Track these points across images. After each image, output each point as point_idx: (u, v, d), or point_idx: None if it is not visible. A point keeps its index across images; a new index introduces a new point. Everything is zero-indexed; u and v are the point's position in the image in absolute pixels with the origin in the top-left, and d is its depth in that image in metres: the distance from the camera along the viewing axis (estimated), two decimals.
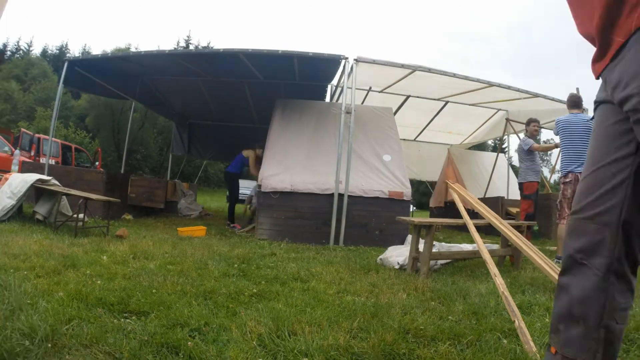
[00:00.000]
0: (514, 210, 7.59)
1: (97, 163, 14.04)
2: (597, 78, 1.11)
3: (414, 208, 13.56)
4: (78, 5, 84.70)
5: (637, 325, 2.01)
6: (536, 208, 5.47)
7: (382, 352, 1.64)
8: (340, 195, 5.30)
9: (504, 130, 8.79)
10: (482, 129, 10.10)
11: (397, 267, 3.59)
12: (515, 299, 2.51)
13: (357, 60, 5.54)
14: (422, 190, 18.78)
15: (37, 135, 12.74)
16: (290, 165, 5.71)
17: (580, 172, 4.41)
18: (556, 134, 4.75)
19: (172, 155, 12.28)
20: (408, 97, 8.23)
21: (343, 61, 5.66)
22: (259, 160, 6.43)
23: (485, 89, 6.78)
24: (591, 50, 1.08)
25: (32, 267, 2.62)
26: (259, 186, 5.53)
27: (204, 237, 5.20)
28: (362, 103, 8.15)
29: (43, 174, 5.56)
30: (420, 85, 7.19)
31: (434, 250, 3.44)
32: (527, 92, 6.70)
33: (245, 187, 20.42)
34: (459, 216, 3.85)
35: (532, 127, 5.60)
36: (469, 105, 8.29)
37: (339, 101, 6.95)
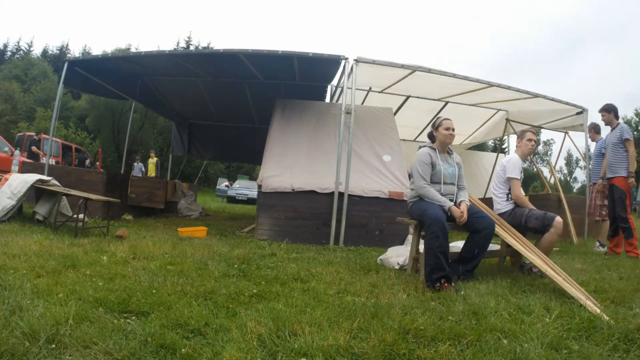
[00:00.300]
0: None
1: (97, 163, 14.05)
2: None
3: None
4: (78, 6, 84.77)
5: (637, 325, 2.01)
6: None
7: (382, 352, 1.64)
8: (340, 196, 5.29)
9: (504, 131, 8.79)
10: (482, 129, 10.10)
11: (397, 267, 3.59)
12: (515, 299, 2.52)
13: (357, 61, 5.54)
14: None
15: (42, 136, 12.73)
16: (290, 166, 5.70)
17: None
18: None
19: (172, 155, 12.28)
20: (408, 97, 8.23)
21: (343, 61, 5.65)
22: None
23: (485, 89, 6.78)
24: None
25: (32, 267, 2.63)
26: (259, 186, 5.53)
27: (204, 237, 5.21)
28: (362, 103, 8.15)
29: (43, 174, 5.56)
30: (420, 86, 7.19)
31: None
32: (527, 92, 6.70)
33: (245, 187, 20.53)
34: None
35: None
36: (469, 105, 8.29)
37: (339, 101, 6.95)
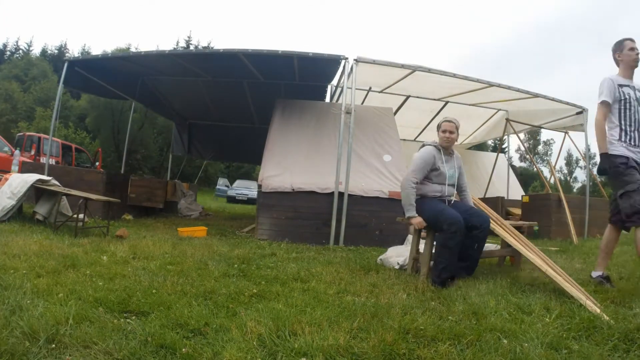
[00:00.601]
0: (514, 210, 7.60)
1: (97, 163, 14.04)
2: None
3: None
4: (78, 5, 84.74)
5: (637, 325, 2.01)
6: None
7: (382, 352, 1.64)
8: (340, 195, 5.29)
9: (504, 130, 8.80)
10: (482, 129, 10.11)
11: (397, 267, 3.59)
12: (515, 299, 2.52)
13: (357, 61, 5.54)
14: None
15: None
16: (290, 166, 5.70)
17: None
18: None
19: (172, 155, 12.28)
20: (408, 97, 8.23)
21: (343, 61, 5.65)
22: None
23: (485, 89, 6.78)
24: None
25: (32, 267, 2.62)
26: (259, 186, 5.53)
27: (204, 237, 5.20)
28: (362, 103, 8.15)
29: (43, 174, 5.56)
30: (420, 85, 7.19)
31: (434, 250, 3.44)
32: (527, 92, 6.70)
33: (245, 187, 20.51)
34: None
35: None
36: (469, 105, 8.30)
37: (339, 101, 6.95)
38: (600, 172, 3.09)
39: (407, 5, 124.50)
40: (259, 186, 5.53)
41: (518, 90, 6.62)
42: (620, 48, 3.05)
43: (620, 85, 2.97)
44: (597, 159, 3.19)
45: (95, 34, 79.89)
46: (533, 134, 42.95)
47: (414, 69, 5.89)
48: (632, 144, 2.91)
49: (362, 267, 3.55)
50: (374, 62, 5.65)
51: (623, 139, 2.92)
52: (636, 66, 3.01)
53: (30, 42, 55.18)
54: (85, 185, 5.98)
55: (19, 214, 5.04)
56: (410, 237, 3.96)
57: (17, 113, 26.65)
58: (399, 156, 6.06)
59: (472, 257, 3.11)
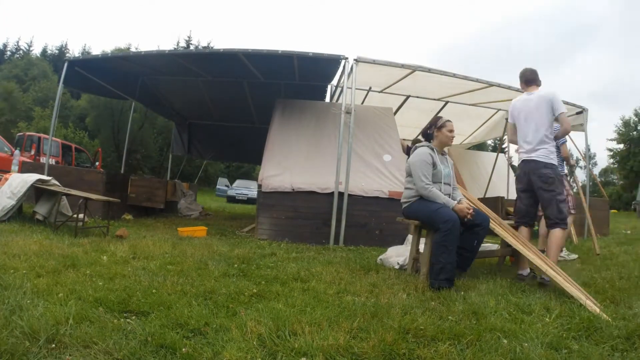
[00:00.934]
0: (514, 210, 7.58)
1: (97, 163, 14.04)
2: None
3: None
4: (78, 5, 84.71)
5: (637, 325, 2.01)
6: None
7: (382, 352, 1.64)
8: (340, 195, 5.29)
9: (504, 130, 8.78)
10: (482, 129, 10.10)
11: (397, 267, 3.59)
12: (515, 298, 2.52)
13: (357, 60, 5.54)
14: None
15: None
16: (290, 166, 5.70)
17: None
18: None
19: (172, 155, 12.27)
20: (408, 97, 8.22)
21: (343, 61, 5.65)
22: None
23: (485, 89, 6.77)
24: None
25: (32, 267, 2.62)
26: (259, 186, 5.53)
27: (203, 237, 5.20)
28: (362, 103, 8.14)
29: (43, 174, 5.56)
30: (420, 85, 7.18)
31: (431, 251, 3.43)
32: None
33: (245, 187, 20.49)
34: None
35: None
36: (469, 105, 8.29)
37: (339, 101, 6.94)
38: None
39: (407, 5, 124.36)
40: (259, 186, 5.53)
41: (518, 90, 6.61)
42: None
43: None
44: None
45: (95, 34, 79.95)
46: None
47: (414, 68, 5.89)
48: None
49: (362, 267, 3.55)
50: (374, 62, 5.65)
51: None
52: None
53: (31, 42, 55.24)
54: (85, 185, 5.98)
55: (19, 214, 5.04)
56: (410, 237, 3.96)
57: (17, 113, 26.63)
58: (399, 156, 6.06)
59: (470, 253, 3.11)
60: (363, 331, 1.85)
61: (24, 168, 6.91)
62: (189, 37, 39.13)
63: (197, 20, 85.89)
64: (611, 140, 32.14)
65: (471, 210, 3.00)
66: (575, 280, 2.78)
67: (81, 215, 4.62)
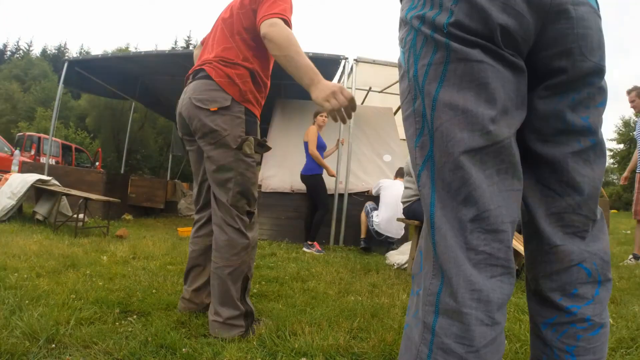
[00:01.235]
0: None
1: (97, 163, 14.05)
2: None
3: None
4: (77, 5, 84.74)
5: (637, 325, 2.01)
6: None
7: (382, 352, 1.64)
8: (340, 195, 5.30)
9: None
10: None
11: (396, 267, 3.59)
12: (515, 299, 2.51)
13: (357, 60, 5.54)
14: None
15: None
16: (290, 166, 5.70)
17: None
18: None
19: (172, 155, 12.28)
20: None
21: (343, 61, 5.66)
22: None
23: None
24: None
25: (32, 267, 2.62)
26: (259, 186, 5.53)
27: None
28: (362, 103, 8.14)
29: (43, 174, 5.57)
30: None
31: None
32: None
33: None
34: None
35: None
36: None
37: None
38: None
39: None
40: (259, 186, 5.54)
41: None
42: None
43: None
44: None
45: (94, 34, 80.00)
46: None
47: None
48: None
49: (362, 267, 3.55)
50: (374, 62, 5.66)
51: None
52: None
53: (31, 42, 55.46)
54: (85, 185, 5.98)
55: (19, 214, 5.04)
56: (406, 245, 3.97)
57: (17, 113, 26.65)
58: (399, 156, 6.06)
59: None
60: (363, 331, 1.85)
61: (24, 168, 6.91)
62: (188, 37, 39.22)
63: (197, 21, 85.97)
64: (611, 140, 32.20)
65: None
66: None
67: (81, 216, 4.63)
